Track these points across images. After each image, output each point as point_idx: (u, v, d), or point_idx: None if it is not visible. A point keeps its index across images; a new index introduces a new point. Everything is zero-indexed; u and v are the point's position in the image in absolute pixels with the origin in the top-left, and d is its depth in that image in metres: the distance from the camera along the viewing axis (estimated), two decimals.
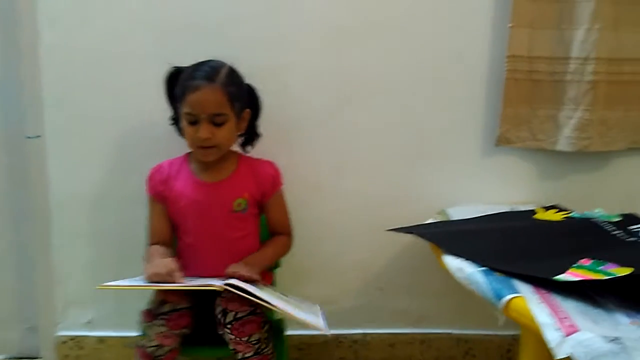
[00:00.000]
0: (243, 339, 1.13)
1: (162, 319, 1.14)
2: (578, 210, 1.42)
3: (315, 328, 1.14)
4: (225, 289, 1.07)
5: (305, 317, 1.15)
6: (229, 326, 1.13)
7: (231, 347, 1.15)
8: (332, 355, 1.64)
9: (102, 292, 1.45)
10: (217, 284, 1.08)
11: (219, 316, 1.15)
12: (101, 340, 1.60)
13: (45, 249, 1.54)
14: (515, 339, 1.59)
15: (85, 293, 1.57)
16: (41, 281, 1.56)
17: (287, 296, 1.27)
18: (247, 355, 1.14)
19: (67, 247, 1.55)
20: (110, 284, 1.12)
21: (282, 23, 1.44)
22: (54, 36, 1.43)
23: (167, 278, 1.11)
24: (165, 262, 1.15)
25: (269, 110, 1.40)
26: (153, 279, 1.11)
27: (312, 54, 1.46)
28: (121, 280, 1.16)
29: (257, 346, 1.14)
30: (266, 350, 1.17)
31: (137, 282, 1.14)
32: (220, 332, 1.16)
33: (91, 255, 1.55)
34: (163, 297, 1.15)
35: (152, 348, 1.14)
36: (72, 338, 1.60)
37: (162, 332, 1.13)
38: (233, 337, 1.13)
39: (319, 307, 1.28)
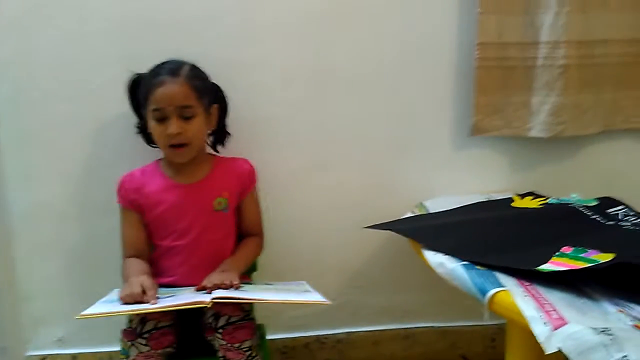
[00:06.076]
0: (234, 346, 1.10)
1: (144, 338, 1.08)
2: (554, 196, 1.41)
3: (317, 303, 1.12)
4: (214, 303, 1.02)
5: (304, 298, 1.15)
6: (220, 331, 1.10)
7: (220, 354, 1.11)
8: (316, 357, 1.60)
9: (72, 307, 1.41)
10: (204, 299, 1.02)
11: (210, 321, 1.11)
12: (74, 357, 1.54)
13: (8, 263, 1.46)
14: (500, 328, 1.58)
15: (54, 309, 1.50)
16: (6, 298, 1.47)
17: (271, 284, 1.25)
18: None
19: (32, 261, 1.47)
20: (90, 312, 1.03)
21: (249, 18, 1.39)
22: (5, 42, 1.35)
23: (140, 298, 1.06)
24: (140, 281, 1.10)
25: (240, 109, 1.38)
26: (127, 300, 1.06)
27: (281, 49, 1.42)
28: (100, 303, 1.09)
29: (248, 353, 1.11)
30: (256, 358, 1.13)
31: (117, 305, 1.07)
32: (210, 338, 1.13)
33: (58, 269, 1.48)
34: (144, 314, 1.10)
35: None
36: (43, 357, 1.53)
37: (144, 353, 1.08)
38: (224, 343, 1.09)
39: (305, 283, 1.28)
